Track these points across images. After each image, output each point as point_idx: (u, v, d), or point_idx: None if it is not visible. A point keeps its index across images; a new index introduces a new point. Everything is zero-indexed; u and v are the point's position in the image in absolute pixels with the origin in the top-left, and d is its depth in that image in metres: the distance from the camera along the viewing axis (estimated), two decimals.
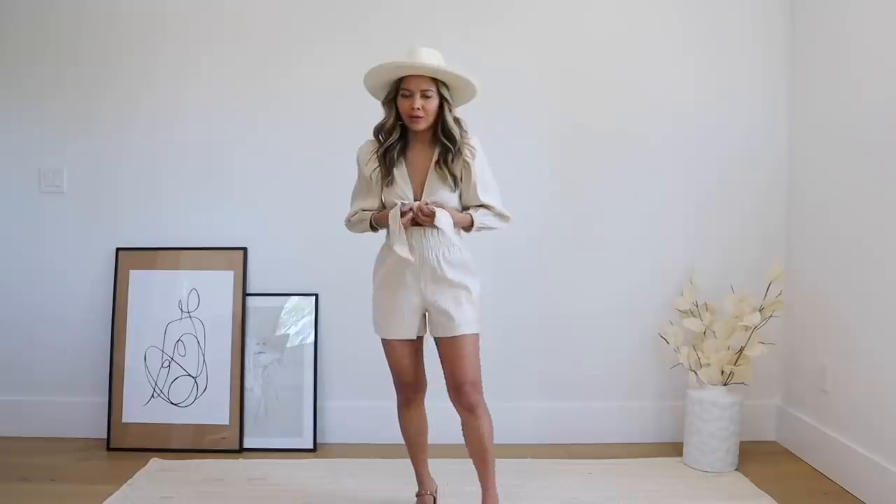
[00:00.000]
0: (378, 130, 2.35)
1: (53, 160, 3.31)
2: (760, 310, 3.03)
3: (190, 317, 3.27)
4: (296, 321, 3.27)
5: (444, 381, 2.46)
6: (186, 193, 3.30)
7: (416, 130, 2.31)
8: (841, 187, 2.90)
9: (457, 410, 2.40)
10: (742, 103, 3.26)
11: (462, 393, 2.35)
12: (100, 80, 3.28)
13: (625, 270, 3.28)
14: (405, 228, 2.28)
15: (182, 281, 3.29)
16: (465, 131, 2.35)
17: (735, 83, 3.25)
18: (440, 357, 2.40)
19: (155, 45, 3.27)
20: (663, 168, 3.27)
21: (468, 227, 2.36)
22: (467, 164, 2.32)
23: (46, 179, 3.31)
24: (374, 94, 2.37)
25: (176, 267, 3.29)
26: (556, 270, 3.28)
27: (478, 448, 2.39)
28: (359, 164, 2.40)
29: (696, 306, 3.15)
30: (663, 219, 3.28)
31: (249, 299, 3.28)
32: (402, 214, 2.26)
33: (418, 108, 2.24)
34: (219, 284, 3.27)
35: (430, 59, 2.25)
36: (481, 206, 2.37)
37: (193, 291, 3.28)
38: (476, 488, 2.48)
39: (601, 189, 3.27)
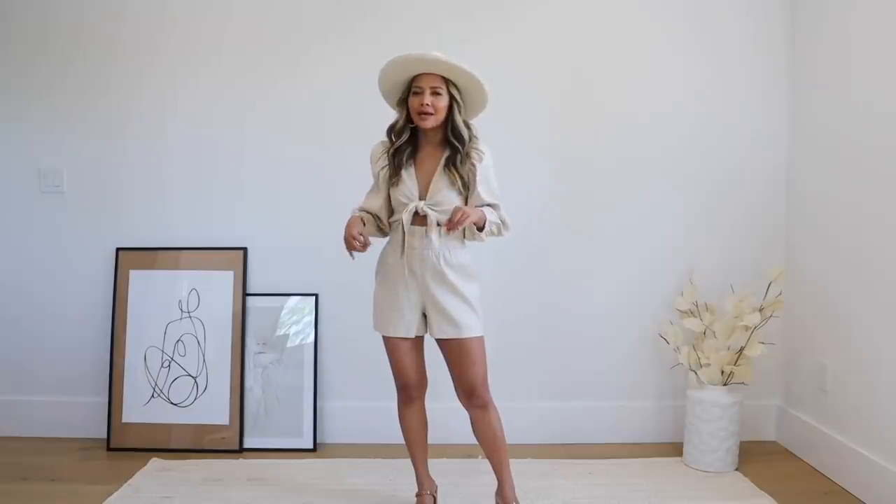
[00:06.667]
0: (390, 130, 2.39)
1: (53, 160, 3.30)
2: (760, 310, 3.03)
3: (190, 317, 3.27)
4: (296, 321, 3.27)
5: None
6: (186, 193, 3.30)
7: (425, 128, 2.33)
8: (841, 187, 2.90)
9: (467, 409, 2.43)
10: (742, 104, 3.26)
11: (474, 395, 2.39)
12: (99, 80, 3.27)
13: (625, 270, 3.28)
14: (428, 226, 2.30)
15: (182, 281, 3.29)
16: (476, 137, 2.38)
17: (736, 84, 3.25)
18: (447, 361, 2.41)
19: (154, 45, 3.26)
20: (664, 168, 3.27)
21: (480, 225, 2.32)
22: (474, 166, 2.33)
23: (46, 179, 3.31)
24: (386, 97, 2.39)
25: (176, 267, 3.29)
26: (556, 270, 3.29)
27: (491, 441, 2.44)
28: (371, 162, 2.43)
29: (696, 306, 3.15)
30: (663, 219, 3.28)
31: (249, 299, 3.28)
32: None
33: (427, 105, 2.27)
34: (219, 284, 3.27)
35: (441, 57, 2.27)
36: (486, 206, 2.37)
37: (193, 291, 3.28)
38: (476, 488, 2.49)
39: (601, 189, 3.27)
